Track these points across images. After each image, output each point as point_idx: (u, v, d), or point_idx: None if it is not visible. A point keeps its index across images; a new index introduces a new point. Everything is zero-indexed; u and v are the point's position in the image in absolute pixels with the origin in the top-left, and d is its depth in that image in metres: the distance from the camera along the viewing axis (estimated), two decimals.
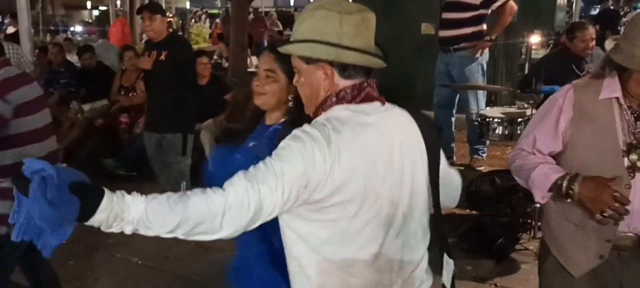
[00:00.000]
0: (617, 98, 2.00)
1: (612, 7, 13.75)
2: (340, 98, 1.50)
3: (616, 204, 1.89)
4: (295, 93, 1.80)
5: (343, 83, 1.51)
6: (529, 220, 4.43)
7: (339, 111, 1.49)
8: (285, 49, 1.57)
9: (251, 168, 1.42)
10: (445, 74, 5.49)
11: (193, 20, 24.26)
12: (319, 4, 1.51)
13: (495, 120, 4.34)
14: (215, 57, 13.85)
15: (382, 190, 1.49)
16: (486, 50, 5.43)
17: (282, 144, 1.45)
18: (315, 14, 1.49)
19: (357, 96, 1.51)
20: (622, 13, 16.15)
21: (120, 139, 6.66)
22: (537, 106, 4.34)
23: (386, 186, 1.49)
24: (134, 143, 6.18)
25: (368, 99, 1.52)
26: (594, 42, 4.61)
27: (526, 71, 6.63)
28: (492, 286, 3.87)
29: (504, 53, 7.03)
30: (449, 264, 1.73)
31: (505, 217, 4.41)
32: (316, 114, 1.54)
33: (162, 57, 4.57)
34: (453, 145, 5.65)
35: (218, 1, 31.70)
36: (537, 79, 4.55)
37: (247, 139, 2.06)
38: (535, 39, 6.59)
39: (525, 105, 4.54)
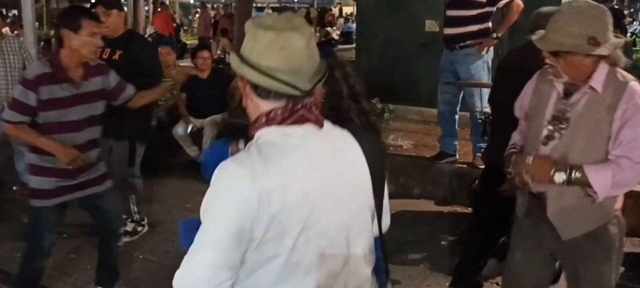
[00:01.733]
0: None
1: (616, 6, 13.71)
2: (270, 119, 1.42)
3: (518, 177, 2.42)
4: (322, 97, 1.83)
5: (262, 103, 1.43)
6: None
7: (269, 134, 1.42)
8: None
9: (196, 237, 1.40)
10: (450, 71, 5.47)
11: (197, 14, 24.25)
12: (260, 18, 1.49)
13: None
14: (218, 51, 13.86)
15: (320, 218, 1.41)
16: (491, 48, 5.41)
17: (206, 197, 1.41)
18: (247, 25, 1.45)
19: (288, 118, 1.41)
20: (626, 12, 16.11)
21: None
22: None
23: (324, 213, 1.42)
24: None
25: (300, 121, 1.43)
26: None
27: None
28: (495, 285, 3.86)
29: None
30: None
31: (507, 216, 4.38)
32: (251, 131, 1.48)
33: (116, 56, 4.11)
34: (456, 143, 5.63)
35: None
36: None
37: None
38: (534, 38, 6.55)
39: None
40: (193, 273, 1.38)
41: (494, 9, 5.35)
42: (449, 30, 5.49)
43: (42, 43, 9.32)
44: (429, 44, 7.24)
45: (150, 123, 4.90)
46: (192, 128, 6.30)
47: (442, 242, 4.51)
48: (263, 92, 1.41)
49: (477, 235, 3.73)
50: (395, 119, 6.68)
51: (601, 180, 2.22)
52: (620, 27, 10.02)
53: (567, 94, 2.35)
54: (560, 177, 2.25)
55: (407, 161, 5.73)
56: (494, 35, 5.33)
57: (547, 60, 2.31)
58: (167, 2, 21.21)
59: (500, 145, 2.74)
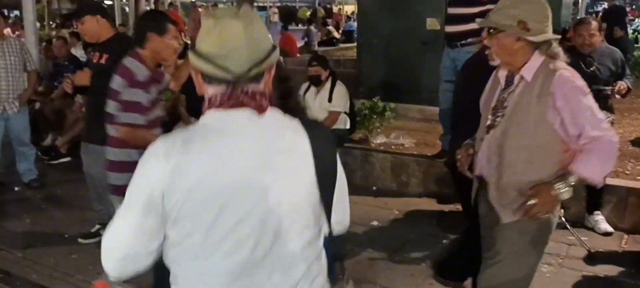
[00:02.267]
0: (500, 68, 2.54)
1: (617, 3, 13.67)
2: (211, 103, 1.46)
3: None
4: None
5: (208, 88, 1.47)
6: None
7: (206, 118, 1.47)
8: None
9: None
10: (452, 69, 5.45)
11: None
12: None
13: None
14: None
15: (241, 203, 1.41)
16: None
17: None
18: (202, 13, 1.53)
19: (225, 102, 1.44)
20: (628, 9, 16.07)
21: None
22: None
23: (246, 199, 1.41)
24: None
25: (238, 105, 1.44)
26: (596, 38, 4.52)
27: None
28: None
29: None
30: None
31: None
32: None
33: (103, 60, 3.98)
34: None
35: None
36: None
37: None
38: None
39: None
40: (109, 240, 1.49)
41: (494, 7, 5.33)
42: (450, 28, 5.48)
43: (44, 43, 9.31)
44: (431, 42, 7.23)
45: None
46: None
47: (444, 241, 4.50)
48: (206, 77, 1.45)
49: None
50: (397, 117, 6.67)
51: (593, 171, 2.36)
52: (621, 23, 9.97)
53: (507, 84, 2.50)
54: (564, 193, 2.35)
55: (408, 159, 5.72)
56: None
57: (485, 42, 2.46)
58: (175, 2, 21.23)
59: (462, 142, 2.82)
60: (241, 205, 1.41)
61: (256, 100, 1.45)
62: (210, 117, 1.46)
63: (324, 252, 1.59)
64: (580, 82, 2.36)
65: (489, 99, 2.61)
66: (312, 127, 1.53)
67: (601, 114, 2.39)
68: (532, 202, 2.38)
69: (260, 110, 1.46)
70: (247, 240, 1.42)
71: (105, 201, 3.95)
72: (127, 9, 19.90)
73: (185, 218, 1.40)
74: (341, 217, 1.66)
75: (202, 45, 1.43)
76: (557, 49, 2.43)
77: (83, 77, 4.28)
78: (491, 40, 2.45)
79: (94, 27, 4.10)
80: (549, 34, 2.40)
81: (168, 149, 1.40)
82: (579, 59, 4.49)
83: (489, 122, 2.55)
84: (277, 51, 1.50)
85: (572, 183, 2.34)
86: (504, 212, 2.54)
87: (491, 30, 2.44)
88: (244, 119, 1.44)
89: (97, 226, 4.49)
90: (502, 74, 2.53)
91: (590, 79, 4.42)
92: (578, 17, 9.33)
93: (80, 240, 4.51)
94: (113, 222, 1.49)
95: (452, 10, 5.47)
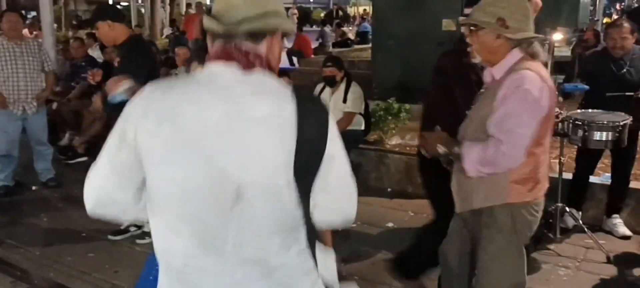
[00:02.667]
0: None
1: (637, 4, 13.50)
2: (209, 57, 1.49)
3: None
4: None
5: (210, 46, 1.51)
6: (550, 220, 4.38)
7: (199, 71, 1.51)
8: None
9: None
10: None
11: None
12: None
13: None
14: None
15: (203, 157, 1.37)
16: None
17: None
18: None
19: (215, 56, 1.46)
20: None
21: None
22: (579, 105, 4.26)
23: (210, 154, 1.37)
24: None
25: (226, 57, 1.44)
26: (628, 41, 4.42)
27: (548, 68, 6.53)
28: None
29: None
30: (326, 256, 1.57)
31: None
32: None
33: (115, 63, 4.29)
34: None
35: None
36: (572, 77, 4.45)
37: None
38: (557, 36, 6.48)
39: None
40: (89, 175, 1.52)
41: None
42: None
43: (61, 45, 9.41)
44: (446, 43, 7.19)
45: None
46: None
47: None
48: (210, 36, 1.49)
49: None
50: (412, 118, 6.63)
51: (469, 155, 2.36)
52: None
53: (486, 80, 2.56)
54: (441, 149, 2.49)
55: None
56: None
57: (467, 39, 2.49)
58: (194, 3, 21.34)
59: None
60: (193, 163, 1.38)
61: (248, 58, 1.44)
62: (201, 71, 1.48)
63: (304, 238, 1.48)
64: (533, 89, 2.27)
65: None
66: (305, 100, 1.44)
67: (522, 129, 2.28)
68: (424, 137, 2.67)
69: (247, 66, 1.43)
70: (208, 195, 1.38)
71: None
72: (143, 10, 20.08)
73: (143, 160, 1.41)
74: (332, 209, 1.52)
75: (213, 6, 1.51)
76: (538, 47, 2.44)
77: (96, 75, 4.52)
78: (472, 38, 2.46)
79: (107, 32, 4.22)
80: (529, 33, 2.39)
81: (151, 92, 1.44)
82: (609, 61, 4.42)
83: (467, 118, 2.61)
84: (287, 20, 1.51)
85: (452, 152, 2.44)
86: (459, 201, 2.62)
87: (472, 28, 2.44)
88: (226, 72, 1.43)
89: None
90: (488, 71, 2.54)
91: (620, 82, 4.36)
92: (595, 18, 9.25)
93: (110, 236, 4.53)
94: (94, 165, 1.52)
95: (467, 12, 5.42)
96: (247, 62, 1.43)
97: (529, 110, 2.27)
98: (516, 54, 2.38)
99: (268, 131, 1.39)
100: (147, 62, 4.20)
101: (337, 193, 1.52)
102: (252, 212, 1.40)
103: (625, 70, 4.37)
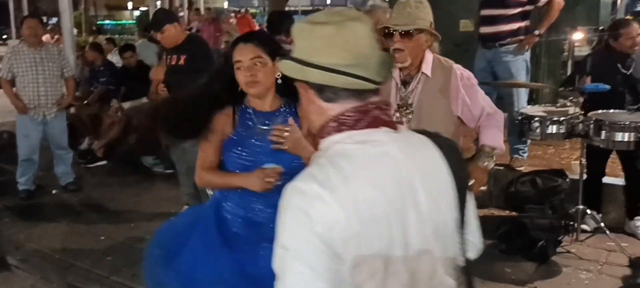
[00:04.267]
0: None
1: None
2: (341, 123, 1.25)
3: None
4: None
5: (329, 106, 1.27)
6: (572, 222, 4.31)
7: (340, 143, 1.25)
8: (278, 65, 1.43)
9: (277, 282, 1.19)
10: (488, 71, 5.33)
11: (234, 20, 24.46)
12: (311, 17, 1.32)
13: (536, 118, 4.20)
14: None
15: (406, 238, 1.22)
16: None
17: (283, 224, 1.19)
18: (295, 27, 1.33)
19: (360, 120, 1.25)
20: None
21: (159, 137, 6.74)
22: (582, 105, 4.20)
23: (411, 232, 1.23)
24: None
25: (375, 124, 1.26)
26: (639, 40, 4.39)
27: (569, 68, 6.44)
28: None
29: (546, 50, 6.84)
30: None
31: (546, 219, 4.28)
32: (316, 143, 1.33)
33: (181, 61, 4.51)
34: None
35: (255, 0, 31.96)
36: (580, 77, 4.39)
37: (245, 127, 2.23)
38: (578, 35, 6.39)
39: (568, 104, 4.39)
40: None
41: (533, 7, 5.23)
42: (487, 29, 5.37)
43: (81, 50, 9.51)
44: (464, 44, 7.12)
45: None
46: None
47: None
48: (330, 94, 1.26)
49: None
50: None
51: (497, 140, 2.75)
52: None
53: (404, 83, 2.72)
54: (490, 164, 2.76)
55: None
56: (536, 32, 5.21)
57: (397, 45, 2.61)
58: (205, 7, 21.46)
59: None
60: (408, 240, 1.23)
61: (387, 114, 1.30)
62: (348, 141, 1.25)
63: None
64: (470, 73, 2.77)
65: (390, 98, 2.78)
66: (439, 140, 1.37)
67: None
68: (470, 182, 2.50)
69: (395, 126, 1.30)
70: (410, 280, 1.24)
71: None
72: None
73: (353, 269, 1.18)
74: (474, 239, 1.46)
75: (325, 57, 1.24)
76: (435, 42, 2.76)
77: (158, 72, 4.82)
78: (405, 42, 2.62)
79: (173, 33, 4.54)
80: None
81: (328, 181, 1.18)
82: (616, 59, 4.38)
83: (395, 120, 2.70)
84: None
85: (491, 155, 2.74)
86: None
87: (411, 32, 2.62)
88: (387, 139, 1.26)
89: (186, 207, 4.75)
90: (395, 74, 2.71)
91: (627, 79, 4.34)
92: (617, 17, 9.10)
93: None
94: None
95: (488, 12, 5.37)
96: (390, 121, 1.31)
97: (478, 86, 2.79)
98: (429, 52, 2.72)
99: (442, 187, 1.34)
100: (211, 58, 4.71)
101: (476, 223, 1.47)
102: (438, 276, 1.32)
103: (632, 69, 4.38)
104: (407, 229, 1.23)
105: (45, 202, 5.74)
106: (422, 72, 2.70)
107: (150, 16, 17.11)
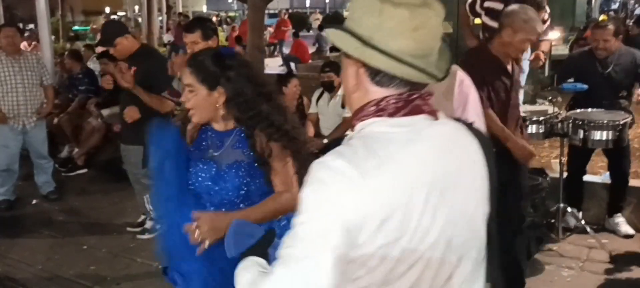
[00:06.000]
0: None
1: (632, 3, 13.49)
2: (381, 109, 1.20)
3: None
4: (225, 98, 1.94)
5: (375, 90, 1.21)
6: (553, 220, 4.37)
7: (377, 126, 1.20)
8: (326, 32, 1.34)
9: (283, 249, 1.18)
10: None
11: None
12: None
13: None
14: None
15: (435, 225, 1.18)
16: (528, 50, 5.18)
17: (304, 198, 1.17)
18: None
19: (402, 108, 1.19)
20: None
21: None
22: (568, 104, 4.25)
23: (439, 220, 1.18)
24: None
25: (415, 112, 1.21)
26: (610, 43, 4.43)
27: (547, 69, 6.53)
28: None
29: None
30: None
31: (528, 217, 4.33)
32: (353, 121, 1.28)
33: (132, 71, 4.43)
34: None
35: (234, 4, 31.91)
36: (563, 77, 4.46)
37: (199, 146, 2.12)
38: (554, 35, 6.48)
39: (546, 104, 4.47)
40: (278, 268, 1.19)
41: None
42: (492, 23, 5.20)
43: (58, 57, 9.40)
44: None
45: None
46: None
47: None
48: (385, 79, 1.19)
49: None
50: None
51: None
52: None
53: None
54: None
55: None
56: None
57: None
58: (178, 11, 21.38)
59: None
60: (436, 230, 1.18)
61: (428, 104, 1.24)
62: (384, 125, 1.20)
63: None
64: (469, 81, 2.74)
65: None
66: (474, 131, 1.33)
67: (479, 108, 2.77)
68: None
69: (435, 114, 1.25)
70: (436, 269, 1.21)
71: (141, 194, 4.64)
72: (139, 19, 20.13)
73: (374, 254, 1.15)
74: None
75: (392, 41, 1.15)
76: None
77: (108, 82, 4.68)
78: None
79: (125, 45, 4.47)
80: None
81: (359, 163, 1.14)
82: (595, 60, 4.46)
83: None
84: None
85: None
86: None
87: None
88: (424, 125, 1.21)
89: (142, 217, 4.87)
90: None
91: (606, 81, 4.41)
92: (593, 17, 9.25)
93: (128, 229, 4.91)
94: (292, 259, 1.16)
95: (489, 4, 5.20)
96: (433, 111, 1.25)
97: (476, 94, 2.80)
98: None
99: (477, 178, 1.32)
100: (165, 65, 4.66)
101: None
102: (465, 268, 1.29)
103: (610, 69, 4.42)
104: (434, 221, 1.18)
105: (26, 212, 5.66)
106: None
107: (130, 21, 16.82)
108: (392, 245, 1.15)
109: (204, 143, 2.12)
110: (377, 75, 1.20)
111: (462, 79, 2.73)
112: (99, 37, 5.54)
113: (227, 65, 2.03)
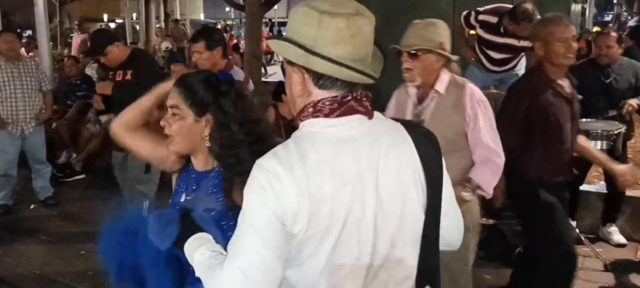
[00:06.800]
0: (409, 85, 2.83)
1: (626, 15, 13.58)
2: (317, 110, 1.31)
3: None
4: (211, 130, 1.71)
5: (318, 93, 1.33)
6: None
7: (312, 126, 1.32)
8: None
9: (230, 244, 1.34)
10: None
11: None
12: (312, 2, 1.32)
13: None
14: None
15: (363, 217, 1.30)
16: (523, 60, 5.22)
17: (244, 197, 1.31)
18: (298, 11, 1.33)
19: (336, 110, 1.31)
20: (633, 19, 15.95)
21: None
22: None
23: (368, 212, 1.31)
24: None
25: (349, 112, 1.32)
26: (613, 50, 4.47)
27: None
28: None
29: None
30: None
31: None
32: (295, 123, 1.39)
33: (128, 76, 4.47)
34: None
35: (232, 12, 31.99)
36: None
37: (177, 188, 1.89)
38: None
39: None
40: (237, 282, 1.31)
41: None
42: (493, 67, 5.28)
43: (57, 63, 9.41)
44: None
45: None
46: None
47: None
48: (327, 82, 1.31)
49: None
50: None
51: (485, 181, 2.74)
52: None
53: (420, 100, 2.81)
54: (467, 196, 2.67)
55: None
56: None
57: (406, 65, 2.72)
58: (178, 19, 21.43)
59: None
60: (365, 221, 1.31)
61: (363, 104, 1.34)
62: (318, 126, 1.32)
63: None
64: (484, 96, 2.77)
65: (399, 114, 2.80)
66: (414, 129, 1.44)
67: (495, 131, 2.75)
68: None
69: (369, 114, 1.36)
70: (367, 257, 1.34)
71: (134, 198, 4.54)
72: (137, 27, 20.15)
73: (307, 242, 1.28)
74: (454, 229, 1.54)
75: (332, 49, 1.28)
76: (456, 66, 2.90)
77: (105, 87, 4.69)
78: (414, 62, 2.71)
79: (116, 53, 4.49)
80: (451, 55, 2.77)
81: (288, 161, 1.27)
82: (597, 69, 4.49)
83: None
84: None
85: (474, 191, 2.72)
86: None
87: (418, 53, 2.69)
88: (358, 126, 1.33)
89: None
90: (412, 91, 2.83)
91: (606, 90, 4.43)
92: (586, 28, 9.31)
93: None
94: (233, 262, 1.30)
95: (493, 55, 5.22)
96: (368, 111, 1.37)
97: (491, 112, 2.81)
98: (446, 71, 2.77)
99: (410, 173, 1.41)
100: (156, 70, 4.68)
101: (455, 216, 1.56)
102: (396, 257, 1.41)
103: (612, 78, 4.44)
104: (364, 210, 1.31)
105: (24, 217, 5.67)
106: (435, 90, 2.76)
107: (127, 28, 16.89)
108: (325, 235, 1.28)
109: (183, 184, 1.86)
110: (320, 79, 1.32)
111: (473, 91, 2.75)
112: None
113: (221, 91, 1.77)
